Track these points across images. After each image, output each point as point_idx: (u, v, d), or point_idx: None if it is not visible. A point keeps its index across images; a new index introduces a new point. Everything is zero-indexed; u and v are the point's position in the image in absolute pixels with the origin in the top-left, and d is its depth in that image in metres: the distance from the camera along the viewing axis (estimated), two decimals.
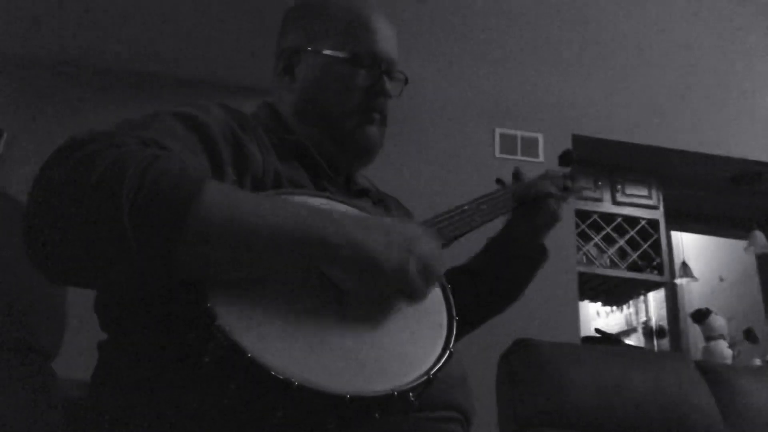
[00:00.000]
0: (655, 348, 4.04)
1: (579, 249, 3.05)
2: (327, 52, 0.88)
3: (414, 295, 0.63)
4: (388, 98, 0.91)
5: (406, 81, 0.95)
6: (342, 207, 0.70)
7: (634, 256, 3.17)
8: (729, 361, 2.86)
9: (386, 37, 0.91)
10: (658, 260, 3.16)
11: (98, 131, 0.57)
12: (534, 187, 1.05)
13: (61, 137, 0.57)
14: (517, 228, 1.06)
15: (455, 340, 0.65)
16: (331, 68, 0.88)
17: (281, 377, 0.49)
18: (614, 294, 3.57)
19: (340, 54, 0.88)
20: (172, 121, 0.67)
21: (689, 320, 3.39)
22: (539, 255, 1.07)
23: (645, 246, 3.18)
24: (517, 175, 1.09)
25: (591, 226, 3.18)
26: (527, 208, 1.04)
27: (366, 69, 0.88)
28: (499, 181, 1.07)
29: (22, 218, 0.53)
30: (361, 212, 0.71)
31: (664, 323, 3.91)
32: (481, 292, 1.05)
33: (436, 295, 0.70)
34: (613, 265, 3.16)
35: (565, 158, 1.17)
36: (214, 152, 0.68)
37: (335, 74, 0.88)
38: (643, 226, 3.20)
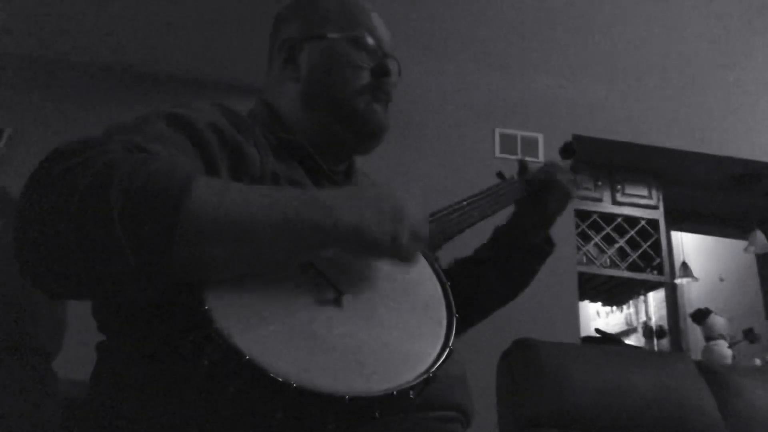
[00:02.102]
0: (655, 348, 4.04)
1: (579, 249, 3.05)
2: (331, 35, 0.89)
3: (407, 261, 0.65)
4: (392, 79, 0.92)
5: (399, 70, 0.96)
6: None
7: (634, 256, 3.17)
8: (729, 361, 2.86)
9: (379, 21, 0.94)
10: (658, 260, 3.16)
11: (83, 139, 0.56)
12: (548, 172, 1.07)
13: (62, 135, 0.57)
14: (527, 217, 1.06)
15: (456, 336, 0.65)
16: (336, 50, 0.89)
17: (280, 379, 0.49)
18: (614, 294, 3.57)
19: (343, 35, 0.89)
20: (162, 124, 0.66)
21: (689, 320, 3.39)
22: (547, 245, 1.07)
23: (645, 246, 3.18)
24: (524, 167, 1.10)
25: (591, 226, 3.17)
26: (539, 195, 1.05)
27: (368, 50, 0.90)
28: (499, 174, 1.07)
29: (12, 233, 0.52)
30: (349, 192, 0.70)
31: (664, 323, 3.90)
32: (490, 282, 1.06)
33: (435, 292, 0.70)
34: (613, 265, 3.16)
35: (566, 150, 1.17)
36: (207, 153, 0.68)
37: (341, 56, 0.89)
38: (643, 226, 3.20)
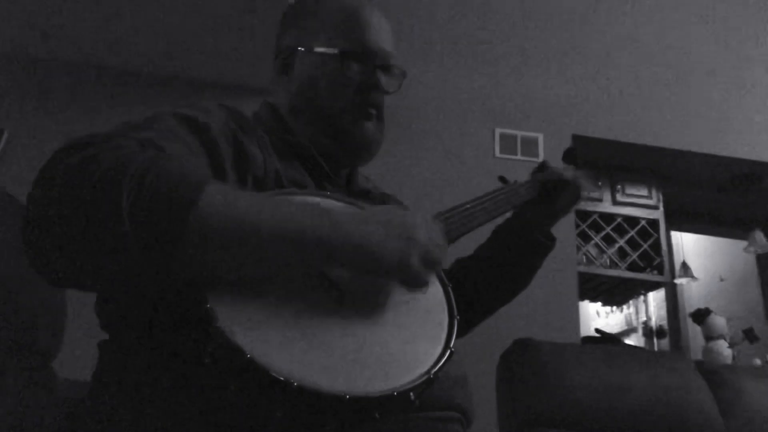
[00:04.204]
0: (655, 348, 4.05)
1: (579, 249, 3.05)
2: (318, 49, 0.88)
3: (416, 284, 0.63)
4: (384, 93, 0.90)
5: (404, 76, 0.94)
6: (341, 205, 0.70)
7: (634, 256, 3.17)
8: (729, 361, 2.86)
9: (379, 31, 0.91)
10: (658, 260, 3.16)
11: (97, 134, 0.57)
12: (565, 171, 1.09)
13: (62, 136, 0.58)
14: (532, 215, 1.07)
15: (457, 338, 0.65)
16: (323, 66, 0.88)
17: (281, 378, 0.49)
18: (614, 294, 3.57)
19: (330, 50, 0.87)
20: (172, 123, 0.67)
21: (689, 320, 3.39)
22: (549, 240, 1.08)
23: (645, 246, 3.18)
24: (544, 166, 1.11)
25: (591, 226, 3.17)
26: (552, 193, 1.06)
27: (358, 64, 0.88)
28: (502, 178, 1.08)
29: (22, 222, 0.52)
30: (359, 208, 0.70)
31: (664, 323, 3.91)
32: (491, 281, 1.06)
33: (436, 293, 0.70)
34: (613, 265, 3.16)
35: (568, 156, 1.20)
36: (215, 153, 0.68)
37: (327, 71, 0.87)
38: (643, 226, 3.20)
